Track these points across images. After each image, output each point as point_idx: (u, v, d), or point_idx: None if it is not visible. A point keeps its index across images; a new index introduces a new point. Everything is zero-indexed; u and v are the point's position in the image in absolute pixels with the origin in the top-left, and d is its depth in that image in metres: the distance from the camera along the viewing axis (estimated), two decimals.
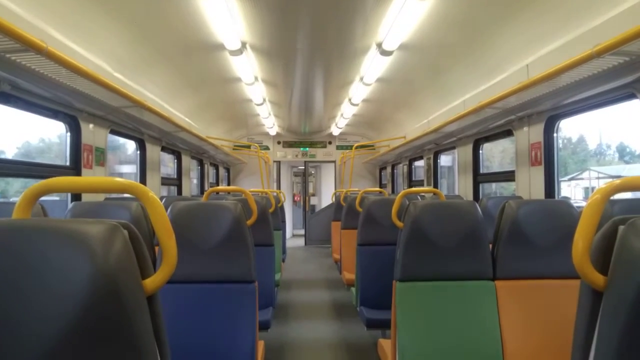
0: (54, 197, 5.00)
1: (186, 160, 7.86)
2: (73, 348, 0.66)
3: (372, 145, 11.39)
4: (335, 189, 11.83)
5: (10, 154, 4.53)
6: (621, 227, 0.94)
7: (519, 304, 2.31)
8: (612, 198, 1.05)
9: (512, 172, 4.83)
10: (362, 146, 11.32)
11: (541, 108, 4.10)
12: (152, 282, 0.87)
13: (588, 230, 1.00)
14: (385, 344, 2.75)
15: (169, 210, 2.27)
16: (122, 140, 5.87)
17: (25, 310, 0.66)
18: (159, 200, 0.98)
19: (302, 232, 13.02)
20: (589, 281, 0.98)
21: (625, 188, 1.03)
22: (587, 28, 3.16)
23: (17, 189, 5.10)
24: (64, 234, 0.71)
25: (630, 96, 3.29)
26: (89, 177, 1.00)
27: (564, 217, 2.35)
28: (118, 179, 1.01)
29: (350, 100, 7.77)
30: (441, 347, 2.26)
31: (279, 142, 12.41)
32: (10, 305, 0.66)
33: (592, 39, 2.77)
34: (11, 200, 4.63)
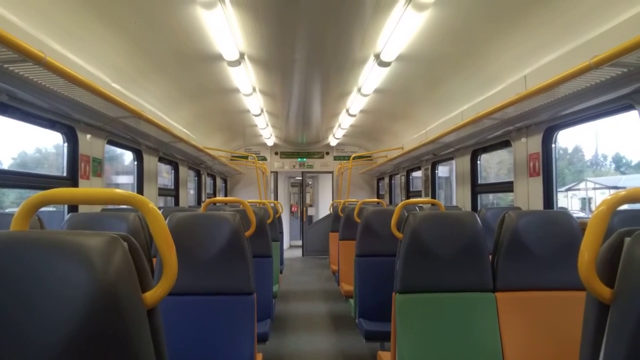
0: (50, 208, 4.97)
1: (183, 170, 7.84)
2: None
3: (370, 156, 11.40)
4: (333, 199, 11.82)
5: (5, 165, 4.51)
6: (627, 239, 0.93)
7: (520, 316, 2.29)
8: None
9: (511, 182, 4.83)
10: (359, 157, 11.33)
11: (539, 119, 4.11)
12: (152, 295, 0.85)
13: (594, 242, 0.99)
14: (385, 356, 2.73)
15: (167, 221, 2.25)
16: (119, 150, 5.85)
17: (19, 329, 0.64)
18: (159, 211, 0.97)
19: (300, 243, 12.98)
20: (595, 293, 0.96)
21: (631, 199, 1.03)
22: (585, 39, 3.17)
23: (12, 200, 5.06)
24: (63, 246, 0.70)
25: (628, 107, 3.30)
26: (88, 188, 0.99)
27: (564, 228, 2.34)
28: (118, 190, 1.00)
29: (347, 111, 7.78)
30: (441, 359, 2.24)
31: (276, 153, 12.41)
32: (3, 322, 0.64)
33: (590, 50, 2.78)
34: (7, 211, 4.60)
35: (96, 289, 0.67)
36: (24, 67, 2.62)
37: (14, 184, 3.61)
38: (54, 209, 4.76)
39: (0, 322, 0.64)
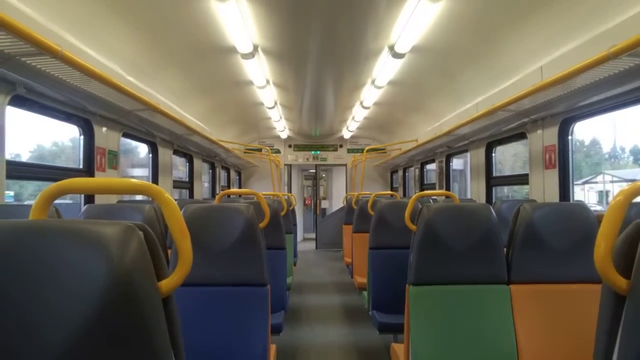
0: (67, 201, 5.04)
1: (198, 163, 7.89)
2: (88, 350, 0.66)
3: (384, 149, 11.35)
4: (347, 192, 11.82)
5: (24, 158, 4.58)
6: None
7: (534, 309, 2.27)
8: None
9: (526, 175, 4.78)
10: (373, 149, 11.29)
11: (555, 110, 4.06)
12: (168, 283, 0.86)
13: (610, 233, 0.98)
14: (398, 349, 2.73)
15: (181, 212, 2.27)
16: (134, 143, 5.91)
17: (39, 312, 0.65)
18: (174, 201, 0.97)
19: (313, 235, 13.00)
20: (611, 284, 0.95)
21: None
22: (603, 29, 3.12)
23: (31, 192, 5.15)
24: (80, 235, 0.71)
25: None
26: (104, 178, 0.99)
27: (581, 220, 2.31)
28: (133, 180, 1.01)
29: (361, 103, 7.76)
30: (455, 351, 2.24)
31: (290, 146, 12.42)
32: (24, 306, 0.66)
33: (608, 40, 2.73)
34: (25, 203, 4.68)
35: (112, 277, 0.68)
36: (41, 61, 2.66)
37: (32, 175, 3.67)
38: (71, 201, 4.83)
39: (25, 301, 0.66)
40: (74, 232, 0.71)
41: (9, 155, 3.17)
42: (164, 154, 6.12)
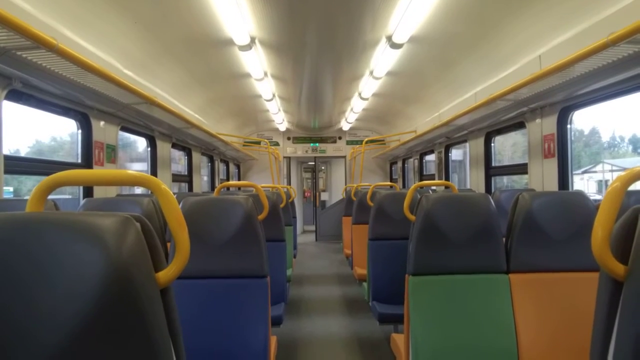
0: (66, 196, 5.04)
1: (196, 156, 7.88)
2: (86, 343, 0.66)
3: (383, 140, 11.34)
4: (346, 184, 11.81)
5: (22, 153, 4.58)
6: None
7: (534, 297, 2.28)
8: (628, 190, 1.03)
9: (525, 164, 4.78)
10: (372, 141, 11.27)
11: (554, 99, 4.05)
12: (165, 274, 0.86)
13: (608, 219, 0.97)
14: (398, 339, 2.74)
15: (180, 205, 2.26)
16: (132, 137, 5.90)
17: (33, 307, 0.65)
18: (171, 192, 0.97)
19: (313, 227, 13.02)
20: (608, 270, 0.95)
21: None
22: (601, 17, 3.10)
23: (29, 188, 5.14)
24: (76, 226, 0.71)
25: None
26: (101, 170, 0.99)
27: (579, 209, 2.31)
28: (130, 171, 1.00)
29: (360, 94, 7.73)
30: (455, 341, 2.24)
31: (288, 138, 12.40)
32: (16, 302, 0.65)
33: (607, 28, 2.71)
34: (24, 197, 4.67)
35: (109, 268, 0.68)
36: (36, 54, 2.65)
37: (30, 170, 3.67)
38: (70, 197, 4.83)
39: (17, 296, 0.65)
40: (70, 224, 0.71)
41: (7, 150, 3.16)
42: (163, 147, 6.11)
